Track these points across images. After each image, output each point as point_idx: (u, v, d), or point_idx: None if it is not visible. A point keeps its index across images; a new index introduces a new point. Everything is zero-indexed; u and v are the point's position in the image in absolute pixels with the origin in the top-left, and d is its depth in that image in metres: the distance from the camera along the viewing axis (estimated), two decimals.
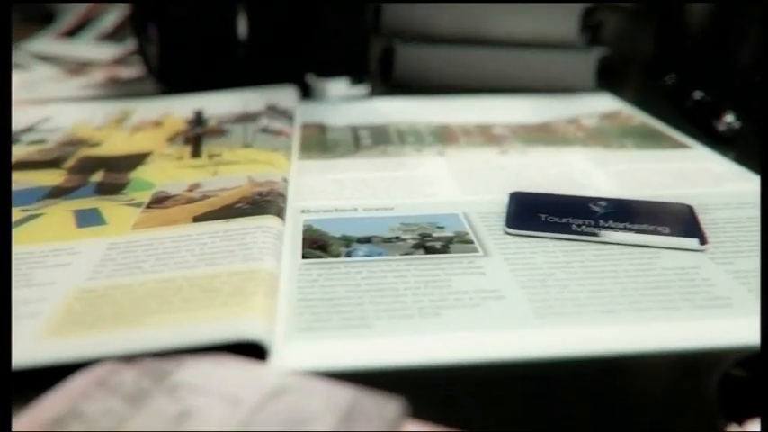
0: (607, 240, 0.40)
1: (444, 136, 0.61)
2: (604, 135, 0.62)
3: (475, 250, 0.39)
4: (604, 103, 0.72)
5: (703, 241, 0.39)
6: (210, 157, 0.51)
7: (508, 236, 0.41)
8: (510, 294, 0.34)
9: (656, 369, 0.30)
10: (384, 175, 0.51)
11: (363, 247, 0.39)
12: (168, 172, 0.48)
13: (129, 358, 0.26)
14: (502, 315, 0.33)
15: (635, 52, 0.94)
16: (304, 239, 0.40)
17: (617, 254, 0.39)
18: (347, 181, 0.50)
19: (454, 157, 0.56)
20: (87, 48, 0.97)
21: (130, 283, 0.32)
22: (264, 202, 0.42)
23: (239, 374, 0.25)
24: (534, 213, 0.43)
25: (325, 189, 0.49)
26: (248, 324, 0.28)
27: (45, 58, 0.92)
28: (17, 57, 0.91)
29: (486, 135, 0.62)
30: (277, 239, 0.35)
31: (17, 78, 0.80)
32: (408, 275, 0.36)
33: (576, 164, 0.54)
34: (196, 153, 0.53)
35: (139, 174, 0.49)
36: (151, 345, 0.26)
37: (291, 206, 0.45)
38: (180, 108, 0.65)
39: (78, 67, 0.87)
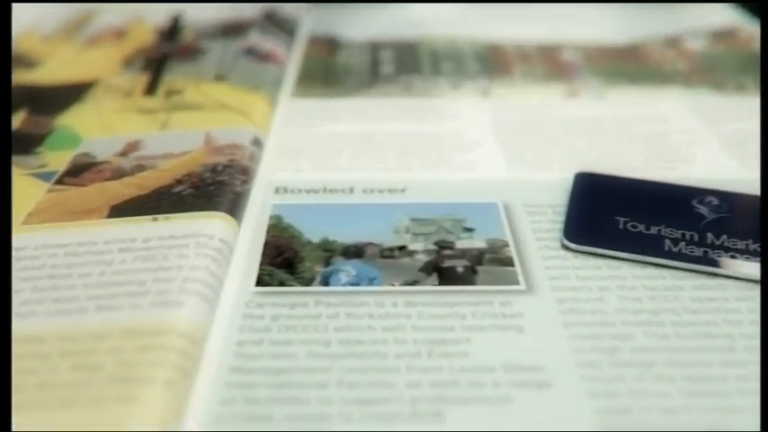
0: (724, 273, 0.27)
1: (493, 62, 0.47)
2: (715, 67, 0.46)
3: (514, 280, 0.27)
4: (717, 16, 0.55)
5: None
6: (168, 94, 0.40)
7: (567, 251, 0.28)
8: (560, 378, 0.23)
9: None
10: (402, 128, 0.39)
11: (350, 266, 0.28)
12: (106, 118, 0.37)
13: None
14: (544, 420, 0.21)
15: None
16: (266, 245, 0.29)
17: (741, 293, 0.26)
18: (349, 137, 0.38)
19: (503, 99, 0.42)
20: None
21: None
22: (216, 185, 0.30)
23: None
24: (609, 215, 0.30)
25: (316, 151, 0.37)
26: None
27: None
28: None
29: (551, 62, 0.47)
30: (218, 260, 0.26)
31: None
32: (407, 327, 0.25)
33: (675, 118, 0.40)
34: (152, 87, 0.41)
35: (68, 119, 0.37)
36: None
37: (262, 179, 0.33)
38: (155, 12, 0.52)
39: None
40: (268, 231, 0.30)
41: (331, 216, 0.31)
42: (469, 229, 0.31)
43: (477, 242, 0.30)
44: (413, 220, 0.31)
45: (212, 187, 0.30)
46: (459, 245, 0.30)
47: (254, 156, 0.33)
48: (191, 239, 0.27)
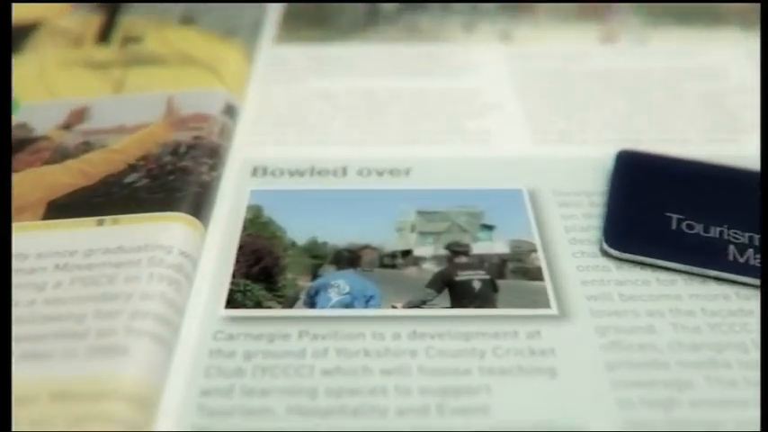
0: None
1: None
2: None
3: (543, 301, 0.23)
4: None
5: None
6: (125, 42, 0.34)
7: (608, 259, 0.24)
8: None
9: None
10: (405, 85, 0.33)
11: (342, 279, 0.23)
12: (49, 76, 0.31)
13: None
14: None
15: None
16: (242, 249, 0.24)
17: None
18: (342, 99, 0.32)
19: (526, 46, 0.36)
20: None
21: None
22: (178, 174, 0.25)
23: None
24: (659, 210, 0.25)
25: (302, 117, 0.32)
26: None
27: None
28: None
29: None
30: (177, 283, 0.22)
31: None
32: (412, 370, 0.21)
33: (733, 71, 0.34)
34: (106, 32, 0.35)
35: None
36: None
37: (237, 157, 0.28)
38: None
39: None
40: (244, 228, 0.25)
41: (320, 207, 0.27)
42: (488, 227, 0.26)
43: (497, 246, 0.25)
44: (420, 213, 0.26)
45: (172, 177, 0.25)
46: (476, 249, 0.25)
47: (226, 129, 0.28)
48: (143, 254, 0.22)
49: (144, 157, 0.26)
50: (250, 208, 0.26)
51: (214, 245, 0.24)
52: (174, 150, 0.27)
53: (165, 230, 0.23)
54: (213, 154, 0.27)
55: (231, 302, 0.23)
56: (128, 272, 0.21)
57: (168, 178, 0.25)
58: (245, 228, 0.25)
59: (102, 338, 0.19)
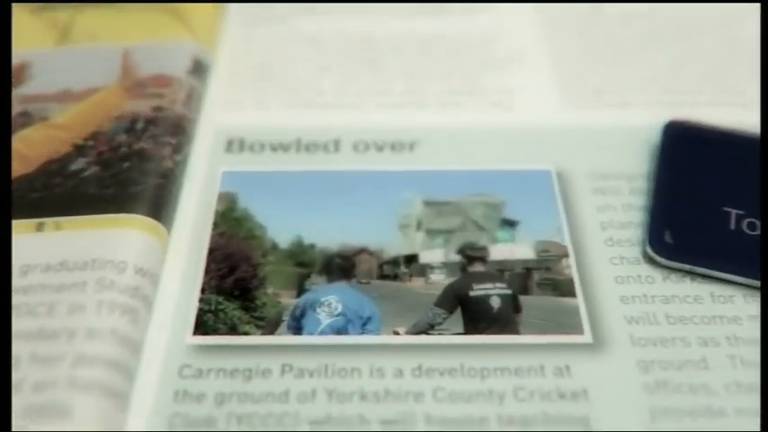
0: None
1: None
2: None
3: (575, 325, 0.19)
4: None
5: None
6: None
7: (653, 267, 0.20)
8: None
9: None
10: (410, 28, 0.29)
11: (334, 295, 0.20)
12: None
13: None
14: None
15: None
16: (212, 253, 0.21)
17: None
18: (335, 45, 0.28)
19: None
20: None
21: None
22: (134, 160, 0.21)
23: None
24: (715, 203, 0.21)
25: (286, 70, 0.28)
26: None
27: None
28: None
29: None
30: (132, 311, 0.19)
31: None
32: (417, 418, 0.18)
33: None
34: None
35: None
36: None
37: (208, 127, 0.24)
38: None
39: None
40: (215, 226, 0.22)
41: (307, 195, 0.23)
42: (510, 223, 0.22)
43: (521, 249, 0.21)
44: (427, 204, 0.23)
45: (127, 164, 0.21)
46: (495, 253, 0.21)
47: (194, 95, 0.24)
48: (91, 273, 0.18)
49: (93, 136, 0.22)
50: (223, 197, 0.23)
51: (179, 251, 0.21)
52: (131, 126, 0.23)
53: (117, 240, 0.19)
54: (177, 130, 0.23)
55: (200, 327, 0.19)
56: (72, 299, 0.18)
57: (122, 166, 0.21)
58: (216, 225, 0.22)
59: (40, 393, 0.16)
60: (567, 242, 0.21)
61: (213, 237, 0.21)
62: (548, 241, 0.22)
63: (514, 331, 0.19)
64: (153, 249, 0.20)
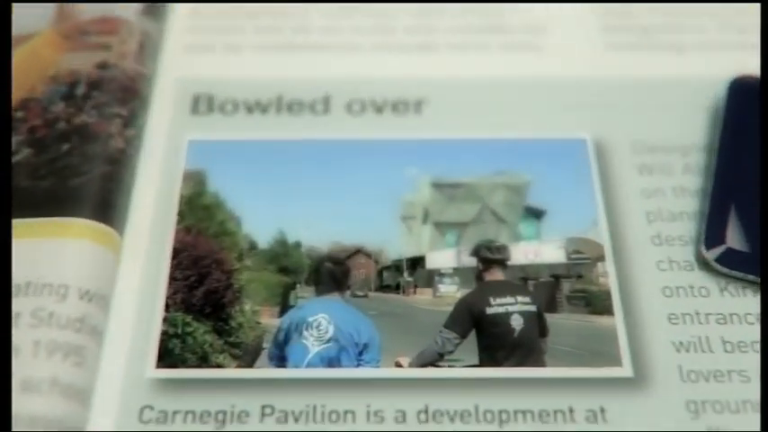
0: None
1: None
2: None
3: (611, 353, 0.16)
4: None
5: None
6: None
7: (708, 274, 0.17)
8: None
9: None
10: None
11: (324, 313, 0.17)
12: None
13: None
14: None
15: None
16: (176, 257, 0.18)
17: None
18: None
19: None
20: None
21: None
22: (75, 139, 0.18)
23: None
24: None
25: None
26: None
27: None
28: None
29: None
30: (78, 352, 0.16)
31: None
32: None
33: None
34: None
35: None
36: None
37: (167, 78, 0.21)
38: None
39: None
40: (180, 218, 0.18)
41: (291, 174, 0.19)
42: (536, 213, 0.19)
43: (549, 249, 0.18)
44: (436, 186, 0.19)
45: (67, 146, 0.18)
46: (518, 254, 0.18)
47: (148, 42, 0.20)
48: (24, 302, 0.15)
49: (24, 104, 0.18)
50: (189, 177, 0.19)
51: (136, 258, 0.18)
52: (69, 92, 0.19)
53: (57, 254, 0.16)
54: (128, 94, 0.19)
55: (165, 356, 0.16)
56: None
57: (61, 148, 0.18)
58: (181, 216, 0.18)
59: None
60: (605, 240, 0.18)
61: (178, 233, 0.18)
62: (581, 239, 0.18)
63: (539, 362, 0.17)
64: (102, 263, 0.17)
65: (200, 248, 0.18)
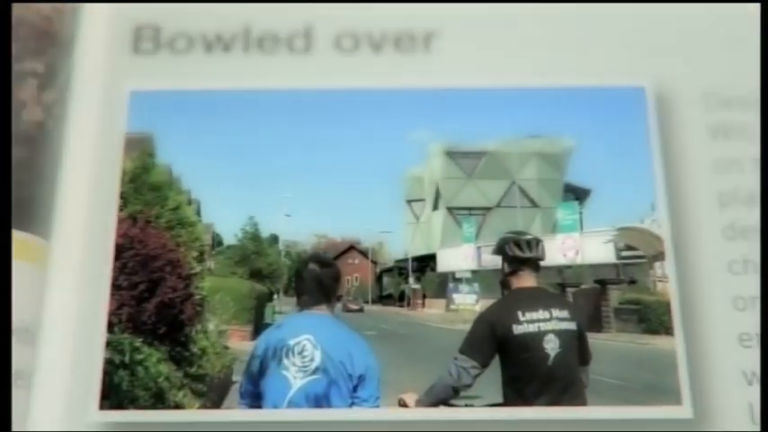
0: None
1: None
2: None
3: (668, 387, 0.13)
4: None
5: None
6: None
7: None
8: None
9: None
10: None
11: (308, 335, 0.14)
12: None
13: None
14: None
15: None
16: (119, 256, 0.14)
17: None
18: None
19: None
20: None
21: None
22: None
23: None
24: None
25: None
26: None
27: None
28: None
29: None
30: None
31: None
32: None
33: None
34: None
35: None
36: None
37: (101, 11, 0.16)
38: None
39: None
40: (123, 203, 0.15)
41: (264, 138, 0.16)
42: (579, 193, 0.16)
43: (593, 246, 0.15)
44: (450, 155, 0.17)
45: None
46: (554, 250, 0.15)
47: None
48: None
49: None
50: (132, 143, 0.15)
51: (69, 268, 0.14)
52: None
53: None
54: (44, 41, 0.14)
55: (110, 393, 0.13)
56: None
57: None
58: (124, 200, 0.15)
59: None
60: (666, 231, 0.14)
61: (121, 225, 0.15)
62: (634, 229, 0.15)
63: (579, 398, 0.14)
64: (24, 286, 0.13)
65: (150, 244, 0.15)
